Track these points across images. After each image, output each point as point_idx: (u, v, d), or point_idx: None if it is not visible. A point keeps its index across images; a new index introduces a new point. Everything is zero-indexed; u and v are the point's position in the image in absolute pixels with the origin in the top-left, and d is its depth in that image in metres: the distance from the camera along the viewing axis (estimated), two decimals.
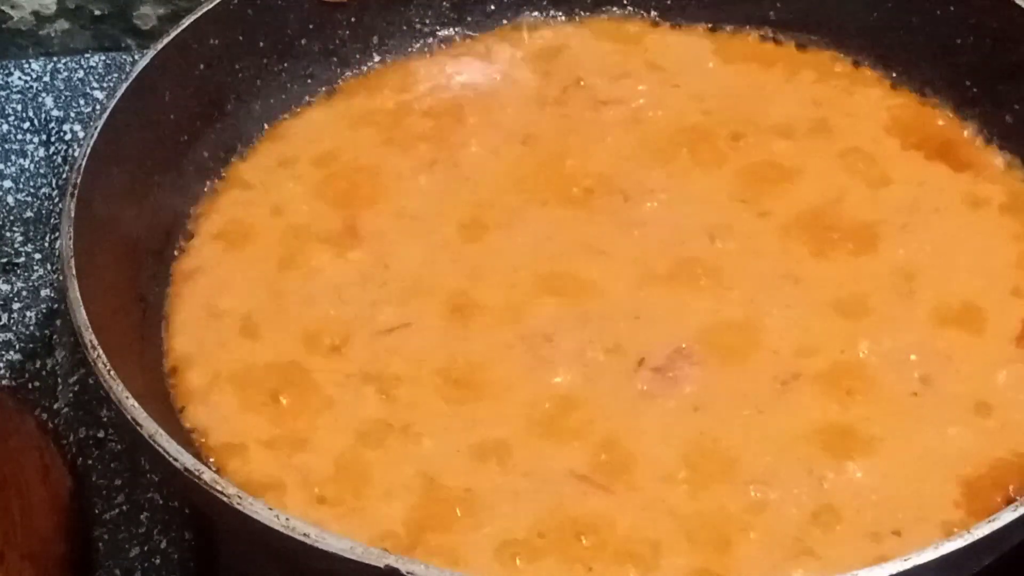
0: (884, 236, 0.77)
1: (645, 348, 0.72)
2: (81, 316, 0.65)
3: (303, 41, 0.86)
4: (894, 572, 0.57)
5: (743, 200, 0.79)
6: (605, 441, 0.68)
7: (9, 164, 0.93)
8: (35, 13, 1.03)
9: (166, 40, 0.79)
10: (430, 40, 0.89)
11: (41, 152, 0.94)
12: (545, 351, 0.72)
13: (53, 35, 1.04)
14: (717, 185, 0.80)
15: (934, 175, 0.80)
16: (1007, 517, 0.58)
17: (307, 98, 0.86)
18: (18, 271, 0.88)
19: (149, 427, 0.61)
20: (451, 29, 0.89)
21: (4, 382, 0.82)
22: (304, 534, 0.57)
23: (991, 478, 0.66)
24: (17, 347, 0.84)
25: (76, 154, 0.74)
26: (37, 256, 0.89)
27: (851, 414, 0.69)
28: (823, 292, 0.74)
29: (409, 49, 0.89)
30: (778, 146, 0.82)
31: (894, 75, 0.85)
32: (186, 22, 0.80)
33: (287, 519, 0.58)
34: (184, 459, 0.60)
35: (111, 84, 0.96)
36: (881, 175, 0.80)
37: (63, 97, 0.96)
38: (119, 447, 0.77)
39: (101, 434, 0.78)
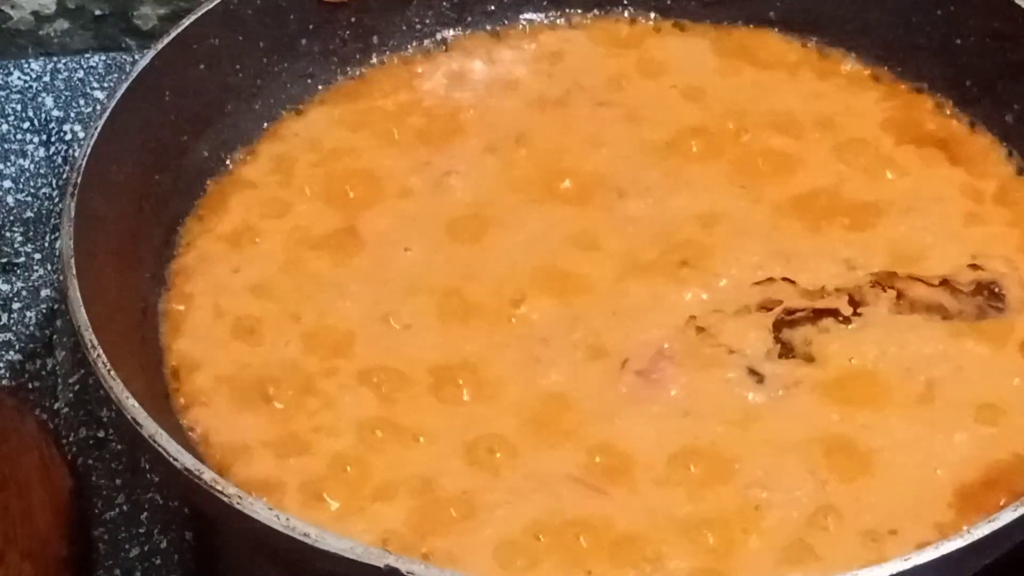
0: (885, 224, 0.77)
1: (630, 348, 0.72)
2: (81, 316, 0.65)
3: (303, 41, 0.85)
4: (894, 572, 0.57)
5: (742, 186, 0.79)
6: (599, 443, 0.68)
7: (9, 164, 0.93)
8: (35, 13, 1.02)
9: (166, 40, 0.79)
10: (430, 40, 0.89)
11: (41, 152, 0.94)
12: (539, 351, 0.72)
13: (53, 35, 1.04)
14: (714, 179, 0.80)
15: (932, 172, 0.80)
16: (1007, 517, 0.59)
17: (307, 98, 0.86)
18: (18, 271, 0.88)
19: (149, 427, 0.61)
20: (451, 29, 0.89)
21: (4, 382, 0.82)
22: (304, 534, 0.57)
23: (984, 479, 0.66)
24: (17, 347, 0.84)
25: (76, 154, 0.74)
26: (37, 256, 0.89)
27: (851, 415, 0.69)
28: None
29: (409, 49, 0.88)
30: (777, 144, 0.82)
31: (894, 74, 0.85)
32: (186, 22, 0.80)
33: (287, 519, 0.58)
34: (184, 459, 0.60)
35: (111, 84, 0.96)
36: (880, 170, 0.80)
37: (63, 97, 0.96)
38: (119, 447, 0.77)
39: (101, 434, 0.78)
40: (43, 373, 0.83)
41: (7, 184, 0.92)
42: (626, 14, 0.90)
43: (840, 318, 0.73)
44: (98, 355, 0.64)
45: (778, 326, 0.73)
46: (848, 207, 0.78)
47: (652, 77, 0.86)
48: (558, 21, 0.90)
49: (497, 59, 0.88)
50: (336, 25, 0.86)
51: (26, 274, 0.88)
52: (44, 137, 0.94)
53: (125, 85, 0.76)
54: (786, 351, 0.72)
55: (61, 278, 0.69)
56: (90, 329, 0.65)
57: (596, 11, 0.90)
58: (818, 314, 0.73)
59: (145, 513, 0.75)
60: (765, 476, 0.66)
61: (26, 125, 0.94)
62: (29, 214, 0.91)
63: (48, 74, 0.97)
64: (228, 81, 0.83)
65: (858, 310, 0.73)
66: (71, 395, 0.80)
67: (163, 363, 0.73)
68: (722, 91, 0.85)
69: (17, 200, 0.92)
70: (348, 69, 0.87)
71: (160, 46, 0.78)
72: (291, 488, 0.67)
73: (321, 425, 0.69)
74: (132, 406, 0.62)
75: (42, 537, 0.72)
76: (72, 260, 0.67)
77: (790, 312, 0.73)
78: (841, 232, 0.77)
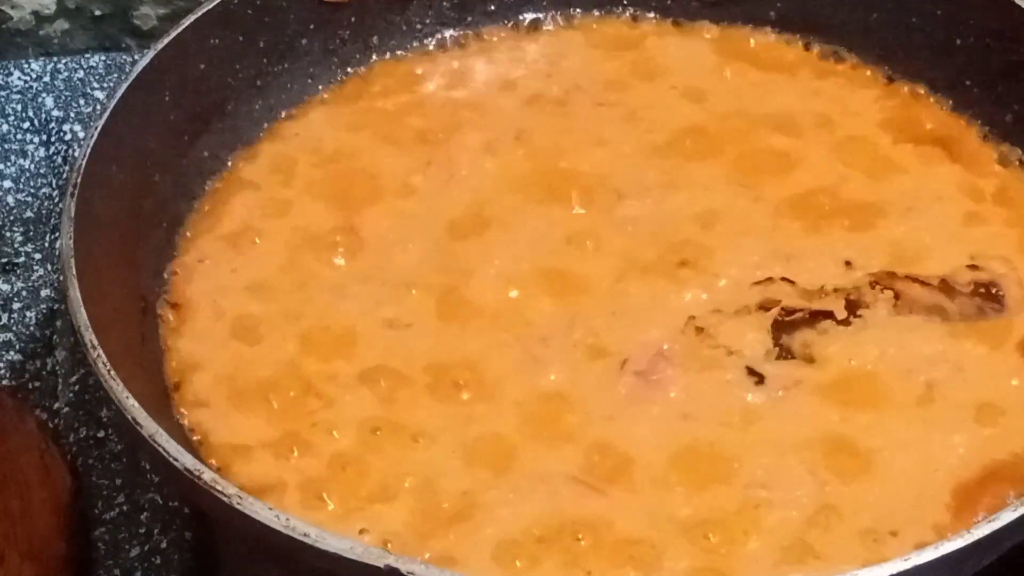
0: (884, 224, 0.77)
1: (629, 348, 0.72)
2: (81, 316, 0.65)
3: (303, 41, 0.86)
4: (894, 572, 0.57)
5: (742, 185, 0.79)
6: (599, 444, 0.68)
7: (9, 164, 0.93)
8: (35, 13, 1.03)
9: (166, 40, 0.79)
10: (430, 40, 0.89)
11: (41, 152, 0.94)
12: (539, 351, 0.72)
13: (53, 35, 1.04)
14: (714, 179, 0.80)
15: (932, 171, 0.80)
16: (1007, 517, 0.59)
17: (307, 98, 0.86)
18: (18, 271, 0.88)
19: (149, 427, 0.62)
20: (451, 29, 0.89)
21: (4, 382, 0.82)
22: (304, 534, 0.57)
23: (983, 479, 0.66)
24: (17, 347, 0.84)
25: (76, 154, 0.74)
26: (37, 256, 0.89)
27: (851, 415, 0.69)
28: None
29: (409, 49, 0.89)
30: (777, 144, 0.82)
31: (894, 74, 0.85)
32: (186, 22, 0.80)
33: (287, 519, 0.58)
34: (184, 459, 0.60)
35: (111, 84, 0.96)
36: (880, 170, 0.80)
37: (63, 97, 0.96)
38: (119, 447, 0.77)
39: (101, 434, 0.78)
40: (43, 373, 0.83)
41: (7, 184, 0.93)
42: (626, 14, 0.90)
43: (838, 321, 0.73)
44: (98, 355, 0.64)
45: (777, 328, 0.73)
46: (848, 207, 0.78)
47: (652, 77, 0.86)
48: (558, 21, 0.90)
49: (497, 59, 0.88)
50: (336, 25, 0.86)
51: (26, 274, 0.88)
52: (44, 137, 0.94)
53: (125, 85, 0.76)
54: (785, 352, 0.72)
55: (61, 278, 0.69)
56: (90, 329, 0.65)
57: (596, 11, 0.90)
58: (815, 316, 0.73)
59: (145, 513, 0.75)
60: (765, 476, 0.66)
61: (26, 125, 0.94)
62: (29, 214, 0.91)
63: (48, 74, 0.97)
64: (228, 81, 0.83)
65: (857, 312, 0.73)
66: (71, 395, 0.80)
67: (163, 363, 0.73)
68: (722, 91, 0.85)
69: (17, 200, 0.92)
70: (348, 69, 0.87)
71: (160, 46, 0.78)
72: (291, 488, 0.67)
73: (321, 425, 0.69)
74: (132, 406, 0.62)
75: (42, 537, 0.72)
76: (72, 260, 0.67)
77: (789, 312, 0.73)
78: (840, 232, 0.77)
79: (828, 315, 0.73)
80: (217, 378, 0.72)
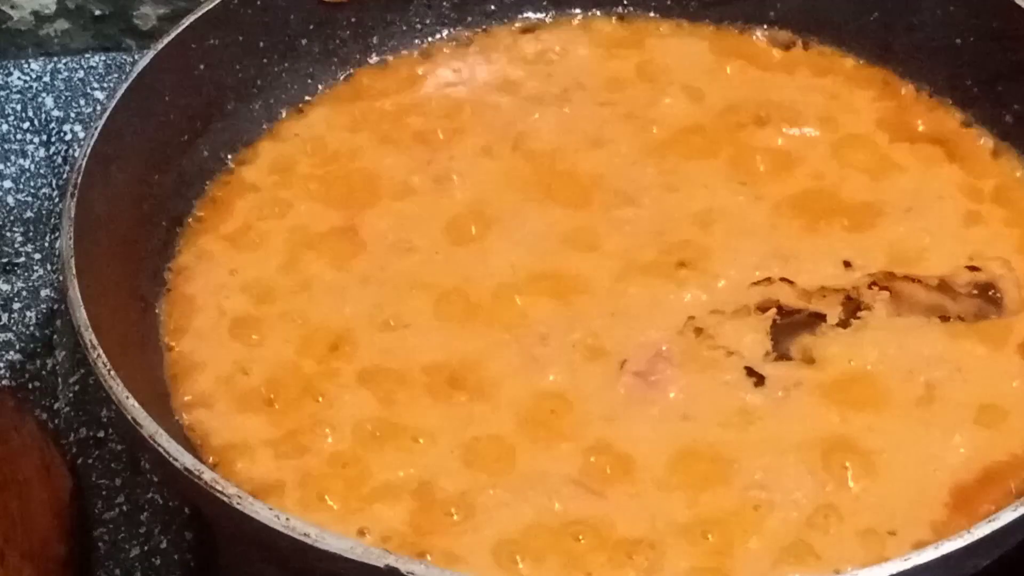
0: (883, 224, 0.77)
1: (629, 349, 0.72)
2: (81, 316, 0.65)
3: (303, 41, 0.86)
4: (894, 572, 0.57)
5: (741, 184, 0.79)
6: (598, 444, 0.68)
7: (9, 164, 0.93)
8: (35, 13, 1.03)
9: (166, 40, 0.79)
10: (430, 40, 0.89)
11: (41, 152, 0.94)
12: (538, 351, 0.72)
13: (53, 35, 1.04)
14: (713, 179, 0.80)
15: (931, 171, 0.80)
16: (1007, 517, 0.59)
17: (307, 98, 0.86)
18: (18, 271, 0.88)
19: (149, 427, 0.62)
20: (451, 29, 0.89)
21: (4, 382, 0.82)
22: (304, 534, 0.57)
23: (982, 479, 0.67)
24: (17, 347, 0.84)
25: (76, 154, 0.74)
26: (37, 256, 0.89)
27: (851, 416, 0.69)
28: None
29: (409, 49, 0.89)
30: (776, 143, 0.82)
31: (894, 74, 0.85)
32: (186, 22, 0.80)
33: (287, 519, 0.58)
34: (184, 459, 0.60)
35: (111, 84, 0.96)
36: (880, 169, 0.80)
37: (63, 97, 0.96)
38: (119, 447, 0.77)
39: (101, 434, 0.78)
40: (43, 373, 0.83)
41: (7, 184, 0.93)
42: (626, 13, 0.90)
43: (837, 322, 0.73)
44: (98, 355, 0.64)
45: (776, 329, 0.73)
46: (847, 207, 0.78)
47: (651, 77, 0.86)
48: (558, 20, 0.90)
49: (496, 59, 0.88)
50: (336, 25, 0.86)
51: (26, 274, 0.88)
52: (44, 137, 0.94)
53: (125, 85, 0.76)
54: (784, 353, 0.72)
55: (61, 278, 0.69)
56: (90, 329, 0.65)
57: (596, 11, 0.90)
58: (814, 317, 0.73)
59: (145, 513, 0.75)
60: (764, 477, 0.66)
61: (26, 125, 0.94)
62: (29, 214, 0.92)
63: (48, 74, 0.97)
64: (228, 81, 0.83)
65: (857, 312, 0.73)
66: (71, 395, 0.80)
67: (163, 363, 0.73)
68: (721, 90, 0.85)
69: (17, 200, 0.92)
70: (348, 69, 0.87)
71: (160, 46, 0.78)
72: (291, 488, 0.67)
73: (320, 425, 0.69)
74: (132, 406, 0.62)
75: (42, 537, 0.72)
76: (72, 260, 0.67)
77: (788, 313, 0.73)
78: (840, 232, 0.77)
79: (827, 316, 0.73)
80: (217, 378, 0.72)
